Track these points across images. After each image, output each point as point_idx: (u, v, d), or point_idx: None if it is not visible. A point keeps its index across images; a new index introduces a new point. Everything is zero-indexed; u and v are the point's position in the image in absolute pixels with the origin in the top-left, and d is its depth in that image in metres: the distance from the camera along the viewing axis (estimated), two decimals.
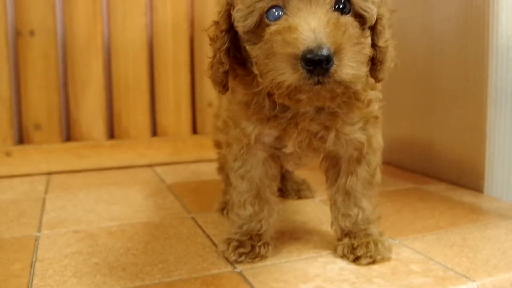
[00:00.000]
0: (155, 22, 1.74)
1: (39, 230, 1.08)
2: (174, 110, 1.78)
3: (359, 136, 0.87)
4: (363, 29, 0.73)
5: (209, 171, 1.56)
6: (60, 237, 1.03)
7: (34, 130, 1.65)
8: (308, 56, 0.63)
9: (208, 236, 1.02)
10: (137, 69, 1.73)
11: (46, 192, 1.41)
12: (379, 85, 0.90)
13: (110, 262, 0.90)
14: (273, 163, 0.92)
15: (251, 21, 0.72)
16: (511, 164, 1.25)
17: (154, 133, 1.80)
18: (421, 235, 1.02)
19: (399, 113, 1.62)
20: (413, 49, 1.53)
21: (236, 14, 0.73)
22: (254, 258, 0.89)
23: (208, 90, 1.77)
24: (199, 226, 1.08)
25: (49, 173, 1.63)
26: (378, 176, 0.93)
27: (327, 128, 0.84)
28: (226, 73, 0.79)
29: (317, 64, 0.64)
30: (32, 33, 1.62)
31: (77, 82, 1.69)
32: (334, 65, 0.65)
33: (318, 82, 0.66)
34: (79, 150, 1.67)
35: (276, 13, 0.70)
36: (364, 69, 0.70)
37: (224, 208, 1.16)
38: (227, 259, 0.90)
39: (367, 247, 0.88)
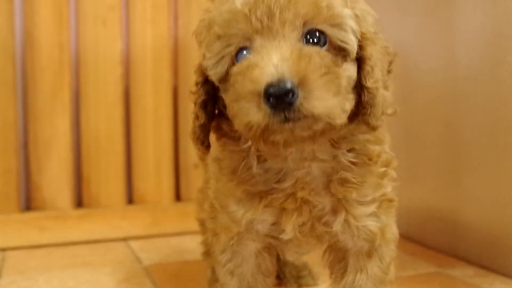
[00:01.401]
0: (132, 71, 1.69)
1: None
2: (154, 174, 1.72)
3: (371, 223, 0.81)
4: (342, 62, 0.71)
5: (194, 247, 1.44)
6: None
7: None
8: (269, 90, 0.62)
9: None
10: (110, 126, 1.67)
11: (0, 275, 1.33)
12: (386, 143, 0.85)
13: None
14: (267, 255, 0.87)
15: (222, 68, 0.71)
16: None
17: (130, 200, 1.73)
18: None
19: (418, 180, 1.55)
20: (433, 100, 1.47)
21: (206, 63, 0.72)
22: None
23: (193, 149, 1.67)
24: None
25: (4, 249, 1.53)
26: (392, 272, 0.87)
27: (334, 212, 0.78)
28: (203, 127, 0.78)
29: (279, 99, 0.62)
30: None
31: (39, 142, 1.63)
32: (299, 98, 0.63)
33: (286, 119, 0.64)
34: (41, 221, 1.59)
35: (244, 53, 0.70)
36: (339, 100, 0.68)
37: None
38: None
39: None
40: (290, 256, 0.93)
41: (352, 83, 0.71)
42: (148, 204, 1.70)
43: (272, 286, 0.89)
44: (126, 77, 1.69)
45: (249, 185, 0.77)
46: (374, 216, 0.81)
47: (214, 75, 0.72)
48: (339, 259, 0.87)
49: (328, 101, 0.65)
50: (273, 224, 0.80)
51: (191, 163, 1.74)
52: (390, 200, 0.83)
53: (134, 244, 1.57)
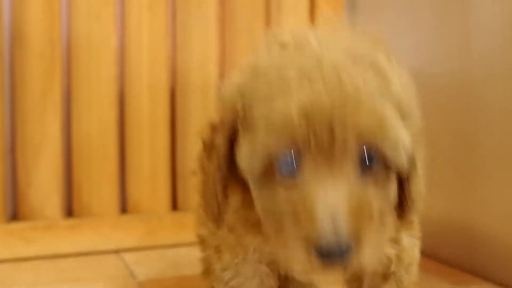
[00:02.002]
0: (127, 70, 1.67)
1: None
2: (149, 181, 1.69)
3: (387, 250, 0.79)
4: (388, 178, 0.69)
5: (192, 260, 1.35)
6: None
7: None
8: (322, 248, 0.60)
9: None
10: (103, 129, 1.64)
11: None
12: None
13: None
14: (271, 273, 0.85)
15: (258, 166, 0.66)
16: None
17: (124, 209, 1.69)
18: None
19: (432, 191, 1.50)
20: (447, 107, 1.46)
21: (240, 153, 0.68)
22: None
23: (192, 156, 1.62)
24: None
25: None
26: None
27: None
28: (220, 204, 0.73)
29: (332, 257, 0.60)
30: None
31: (27, 147, 1.59)
32: (351, 256, 0.61)
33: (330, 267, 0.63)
34: (28, 232, 1.55)
35: (290, 166, 0.64)
36: (383, 251, 0.72)
37: None
38: None
39: None
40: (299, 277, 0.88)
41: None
42: (143, 214, 1.67)
43: None
44: (120, 77, 1.67)
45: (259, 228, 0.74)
46: (392, 241, 0.79)
47: (247, 169, 0.68)
48: (353, 278, 0.85)
49: (377, 255, 0.66)
50: None
51: (189, 170, 1.67)
52: (411, 222, 0.83)
53: (127, 256, 1.55)
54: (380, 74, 0.66)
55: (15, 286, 1.31)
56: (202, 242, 1.08)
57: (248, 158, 0.66)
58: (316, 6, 1.80)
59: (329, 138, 0.60)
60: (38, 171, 1.58)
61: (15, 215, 1.61)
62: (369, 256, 0.63)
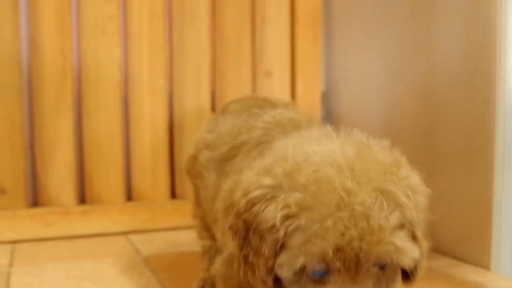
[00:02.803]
0: (130, 78, 1.76)
1: None
2: (151, 173, 1.78)
3: None
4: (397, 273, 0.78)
5: (189, 240, 1.56)
6: None
7: None
8: None
9: None
10: (110, 129, 1.73)
11: (11, 264, 1.39)
12: None
13: None
14: None
15: (291, 274, 0.73)
16: None
17: (129, 197, 1.79)
18: None
19: None
20: (412, 111, 1.55)
21: (279, 266, 0.74)
22: None
23: (187, 151, 1.75)
24: None
25: (14, 242, 1.61)
26: None
27: None
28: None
29: None
30: None
31: (44, 144, 1.69)
32: None
33: None
34: (47, 216, 1.66)
35: (320, 272, 0.72)
36: None
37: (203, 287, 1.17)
38: None
39: None
40: None
41: None
42: (146, 201, 1.77)
43: None
44: (124, 83, 1.76)
45: None
46: None
47: (282, 272, 0.74)
48: None
49: None
50: None
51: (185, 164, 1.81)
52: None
53: (133, 237, 1.65)
54: (399, 206, 0.73)
55: (37, 262, 1.40)
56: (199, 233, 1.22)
57: (284, 268, 0.72)
58: (296, 19, 1.88)
59: (354, 267, 0.70)
60: (54, 164, 1.68)
61: (35, 202, 1.72)
62: None
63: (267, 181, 0.75)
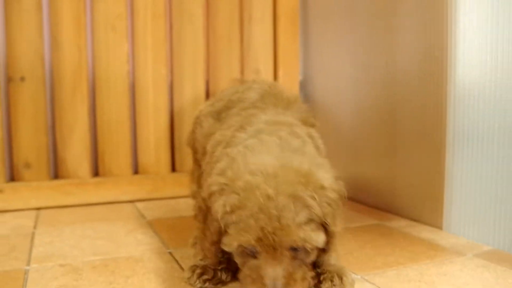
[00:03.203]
0: (136, 68, 1.79)
1: (28, 264, 1.12)
2: (154, 150, 1.81)
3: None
4: (314, 249, 0.90)
5: (187, 207, 1.60)
6: (48, 270, 1.07)
7: (24, 168, 1.68)
8: None
9: (184, 270, 1.05)
10: (119, 113, 1.76)
11: (35, 227, 1.43)
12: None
13: None
14: None
15: (237, 250, 0.89)
16: (468, 203, 1.28)
17: (136, 171, 1.83)
18: (381, 271, 1.06)
19: (364, 155, 1.67)
20: (377, 97, 1.58)
21: (224, 243, 0.89)
22: (217, 283, 0.97)
23: (185, 132, 1.78)
24: (176, 261, 1.12)
25: (38, 209, 1.65)
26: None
27: None
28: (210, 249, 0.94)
29: None
30: (22, 79, 1.66)
31: (64, 125, 1.72)
32: None
33: None
34: (66, 187, 1.69)
35: (251, 249, 0.86)
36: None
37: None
38: None
39: (332, 280, 0.95)
40: None
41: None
42: (150, 174, 1.80)
43: None
44: (132, 73, 1.78)
45: None
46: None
47: (226, 247, 0.89)
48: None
49: None
50: None
51: (184, 142, 1.76)
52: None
53: (139, 205, 1.69)
54: (308, 207, 0.85)
55: (59, 224, 1.44)
56: (193, 196, 1.29)
57: (227, 245, 0.88)
58: (277, 18, 1.91)
59: (272, 250, 0.84)
60: (72, 143, 1.72)
61: (56, 175, 1.75)
62: None
63: (221, 180, 0.89)
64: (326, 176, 0.90)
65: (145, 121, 1.81)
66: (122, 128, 1.77)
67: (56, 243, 1.28)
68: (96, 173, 1.79)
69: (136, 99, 1.81)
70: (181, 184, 1.77)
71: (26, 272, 1.06)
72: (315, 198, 0.86)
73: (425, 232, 1.33)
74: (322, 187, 0.88)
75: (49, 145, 1.72)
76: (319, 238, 0.88)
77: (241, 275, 0.90)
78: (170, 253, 1.19)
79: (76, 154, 1.73)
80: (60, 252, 1.21)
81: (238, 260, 0.91)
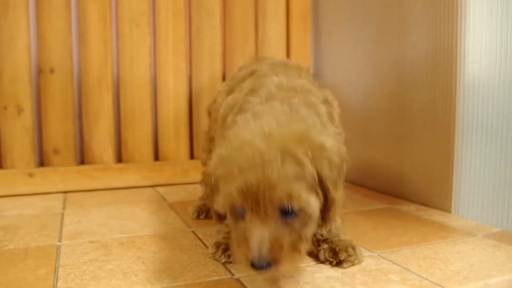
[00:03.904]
0: (158, 61, 1.77)
1: (59, 240, 1.10)
2: (174, 138, 1.80)
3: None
4: (308, 220, 0.79)
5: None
6: (78, 246, 1.05)
7: (53, 154, 1.67)
8: (253, 263, 0.73)
9: (207, 247, 1.03)
10: (142, 103, 1.75)
11: (63, 208, 1.42)
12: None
13: (123, 269, 0.92)
14: None
15: (227, 209, 0.80)
16: (476, 187, 1.25)
17: (157, 158, 1.80)
18: (397, 249, 1.02)
19: (374, 142, 1.62)
20: (386, 85, 1.54)
21: (216, 203, 0.81)
22: None
23: (203, 121, 1.78)
24: (199, 239, 1.10)
25: (65, 192, 1.64)
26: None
27: None
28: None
29: (261, 269, 0.74)
30: (52, 70, 1.65)
31: (90, 114, 1.71)
32: (272, 267, 0.74)
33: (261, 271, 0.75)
34: (91, 172, 1.68)
35: (241, 211, 0.78)
36: (300, 258, 0.79)
37: (199, 214, 1.25)
38: (225, 267, 0.92)
39: (347, 251, 0.91)
40: None
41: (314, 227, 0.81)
42: (170, 161, 1.78)
43: None
44: (153, 65, 1.76)
45: None
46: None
47: (219, 208, 0.81)
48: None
49: (292, 265, 0.77)
50: None
51: (202, 131, 1.73)
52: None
53: (160, 189, 1.68)
54: (299, 163, 0.76)
55: (86, 206, 1.43)
56: (203, 162, 1.30)
57: (219, 205, 0.80)
58: (290, 14, 1.88)
59: (256, 206, 0.74)
60: (97, 130, 1.70)
61: (82, 160, 1.74)
62: (286, 268, 0.75)
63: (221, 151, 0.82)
64: (329, 140, 0.81)
65: (165, 111, 1.79)
66: (144, 117, 1.75)
67: (84, 222, 1.26)
68: (119, 159, 1.77)
69: (157, 90, 1.78)
70: (200, 170, 1.66)
71: (58, 248, 1.05)
72: (309, 156, 0.77)
73: (435, 215, 1.29)
74: (322, 148, 0.79)
75: (76, 133, 1.71)
76: (310, 200, 0.77)
77: (230, 240, 0.83)
78: (193, 231, 1.17)
79: (101, 141, 1.71)
80: (89, 230, 1.19)
81: (230, 224, 0.82)
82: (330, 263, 0.92)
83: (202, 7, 1.80)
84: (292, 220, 0.76)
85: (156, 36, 1.77)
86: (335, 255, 0.92)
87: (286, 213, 0.75)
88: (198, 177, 1.66)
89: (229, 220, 0.82)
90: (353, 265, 0.92)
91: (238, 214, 0.78)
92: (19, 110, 1.61)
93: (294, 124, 0.81)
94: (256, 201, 0.74)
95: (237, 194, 0.74)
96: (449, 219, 1.26)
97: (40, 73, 1.65)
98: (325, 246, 0.94)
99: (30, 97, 1.62)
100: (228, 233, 0.96)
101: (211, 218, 1.14)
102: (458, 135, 1.27)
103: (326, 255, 0.93)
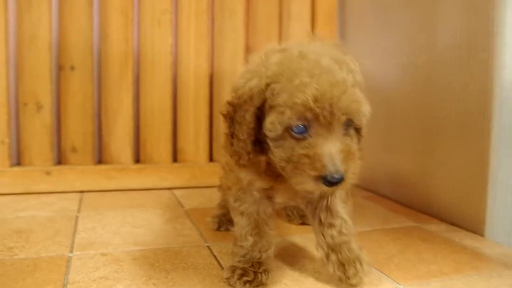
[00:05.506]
0: (179, 61, 1.71)
1: (71, 250, 1.05)
2: (194, 140, 1.74)
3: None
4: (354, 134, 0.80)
5: None
6: (90, 259, 0.99)
7: (71, 153, 1.63)
8: (328, 178, 0.71)
9: (222, 268, 0.96)
10: (162, 103, 1.69)
11: (78, 210, 1.37)
12: None
13: None
14: (267, 201, 0.92)
15: (280, 130, 0.74)
16: None
17: (175, 159, 1.75)
18: (425, 281, 0.92)
19: (401, 151, 1.52)
20: (415, 90, 1.45)
21: (268, 126, 0.75)
22: (257, 286, 0.86)
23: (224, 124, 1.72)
24: (215, 256, 1.03)
25: (82, 191, 1.59)
26: (349, 196, 0.97)
27: None
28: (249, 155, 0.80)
29: (334, 183, 0.72)
30: (72, 68, 1.60)
31: (109, 113, 1.66)
32: (344, 181, 0.73)
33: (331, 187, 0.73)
34: (109, 172, 1.63)
35: (301, 129, 0.74)
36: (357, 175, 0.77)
37: (219, 225, 1.19)
38: None
39: (355, 266, 0.88)
40: (280, 204, 0.96)
41: None
42: (189, 163, 1.72)
43: (272, 225, 0.92)
44: (174, 65, 1.71)
45: (253, 168, 0.84)
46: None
47: (271, 134, 0.75)
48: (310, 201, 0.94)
49: (355, 177, 0.76)
50: (267, 189, 0.89)
51: (222, 133, 1.69)
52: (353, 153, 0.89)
53: (177, 192, 1.62)
54: (350, 70, 0.76)
55: (100, 208, 1.39)
56: (222, 167, 1.18)
57: (274, 125, 0.74)
58: (315, 16, 1.80)
59: (329, 115, 0.72)
60: (116, 129, 1.65)
61: (100, 160, 1.69)
62: (351, 180, 0.74)
63: (248, 68, 0.80)
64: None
65: (185, 111, 1.73)
66: (164, 117, 1.69)
67: (98, 229, 1.20)
68: (137, 159, 1.72)
69: (177, 90, 1.72)
70: (217, 174, 1.64)
71: (69, 259, 0.99)
72: (356, 65, 0.78)
73: (467, 239, 1.16)
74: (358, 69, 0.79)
75: (95, 131, 1.66)
76: (368, 106, 0.76)
77: (288, 167, 0.75)
78: (208, 247, 1.09)
79: (120, 140, 1.67)
80: (102, 239, 1.13)
81: (279, 147, 0.76)
82: (340, 277, 0.89)
83: (225, 7, 1.73)
84: (349, 132, 0.77)
85: (177, 35, 1.71)
86: (343, 269, 0.88)
87: (347, 124, 0.75)
88: (216, 180, 1.60)
89: (280, 143, 0.76)
90: (361, 280, 0.88)
91: (297, 134, 0.74)
92: (39, 107, 1.57)
93: (331, 48, 0.80)
94: (328, 108, 0.71)
95: (312, 101, 0.71)
96: (483, 245, 1.13)
97: (60, 70, 1.61)
98: (334, 258, 0.90)
99: (50, 94, 1.58)
100: (244, 255, 0.89)
101: (229, 230, 1.10)
102: (494, 148, 1.15)
103: (335, 269, 0.89)
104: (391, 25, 1.56)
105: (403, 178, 1.50)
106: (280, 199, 0.92)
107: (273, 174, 0.83)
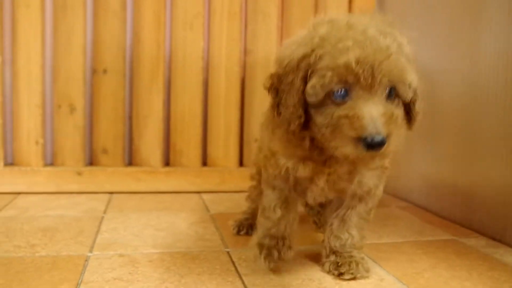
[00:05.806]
0: (210, 65, 1.69)
1: (91, 250, 1.04)
2: (224, 144, 1.72)
3: (373, 181, 0.89)
4: (399, 103, 0.78)
5: None
6: (107, 260, 0.98)
7: (102, 154, 1.64)
8: (368, 140, 0.70)
9: (239, 275, 0.92)
10: (192, 107, 1.67)
11: (105, 211, 1.37)
12: None
13: None
14: (295, 195, 0.94)
15: (321, 96, 0.74)
16: None
17: (204, 163, 1.73)
18: None
19: (441, 160, 1.43)
20: (457, 94, 1.36)
21: (310, 91, 0.75)
22: (280, 260, 0.92)
23: (255, 128, 1.69)
24: (233, 262, 0.99)
25: (111, 192, 1.60)
26: (372, 214, 0.95)
27: (352, 172, 0.84)
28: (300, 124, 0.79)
29: (374, 146, 0.70)
30: (105, 71, 1.61)
31: (140, 116, 1.66)
32: (385, 145, 0.71)
33: (371, 152, 0.71)
34: (138, 174, 1.63)
35: (342, 93, 0.73)
36: (400, 143, 0.76)
37: (239, 229, 1.17)
38: None
39: (349, 265, 0.90)
40: (309, 200, 0.94)
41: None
42: (218, 167, 1.70)
43: (301, 203, 0.97)
44: (206, 70, 1.69)
45: (297, 150, 0.84)
46: (376, 177, 0.89)
47: (313, 100, 0.75)
48: (338, 199, 0.95)
49: (397, 145, 0.74)
50: (307, 177, 0.86)
51: (253, 138, 1.71)
52: (386, 168, 0.90)
53: (205, 196, 1.60)
54: (396, 40, 0.75)
55: (126, 210, 1.38)
56: (251, 177, 1.23)
57: (315, 89, 0.74)
58: (353, 4, 1.75)
59: (371, 78, 0.71)
60: (146, 132, 1.65)
61: (130, 162, 1.69)
62: (392, 146, 0.73)
63: (293, 39, 0.80)
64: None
65: (216, 116, 1.70)
66: (194, 121, 1.68)
67: (120, 230, 1.19)
68: (166, 162, 1.71)
69: (208, 94, 1.70)
70: (248, 179, 1.59)
71: (87, 259, 0.98)
72: (405, 38, 0.77)
73: (509, 256, 1.07)
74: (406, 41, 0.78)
75: (126, 134, 1.67)
76: (414, 76, 0.76)
77: (327, 131, 0.74)
78: (228, 252, 1.05)
79: (150, 143, 1.66)
80: (122, 240, 1.12)
81: (320, 112, 0.75)
82: (333, 274, 0.92)
83: (258, 10, 1.70)
84: (392, 101, 0.75)
85: (210, 39, 1.69)
86: (337, 267, 0.91)
87: (391, 93, 0.75)
88: (245, 185, 1.56)
89: (319, 107, 0.76)
90: (354, 277, 0.89)
91: (338, 97, 0.73)
92: (72, 109, 1.59)
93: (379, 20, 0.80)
94: (370, 71, 0.71)
95: (355, 65, 0.70)
96: None
97: (93, 73, 1.62)
98: (332, 258, 0.94)
99: (83, 96, 1.59)
100: (270, 228, 0.93)
101: (251, 235, 1.10)
102: None
103: (331, 267, 0.92)
104: (433, 26, 1.49)
105: (443, 189, 1.41)
106: (313, 194, 0.91)
107: (317, 157, 0.82)
